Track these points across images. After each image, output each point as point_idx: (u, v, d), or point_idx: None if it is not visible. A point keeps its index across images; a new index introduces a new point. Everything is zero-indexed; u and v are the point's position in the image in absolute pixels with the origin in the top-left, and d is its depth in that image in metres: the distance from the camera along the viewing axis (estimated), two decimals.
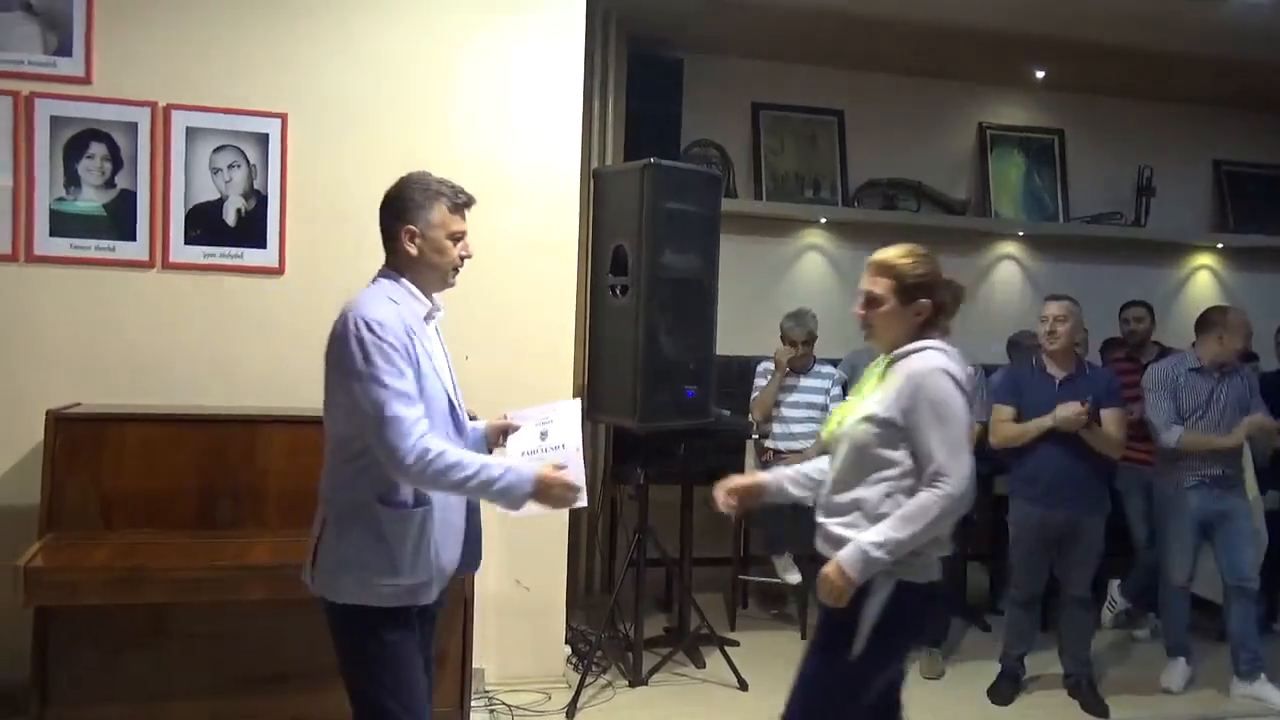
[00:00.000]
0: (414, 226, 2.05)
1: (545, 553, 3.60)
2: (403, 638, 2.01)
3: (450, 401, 2.08)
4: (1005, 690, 3.71)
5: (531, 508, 2.02)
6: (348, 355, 1.94)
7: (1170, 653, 3.90)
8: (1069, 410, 3.47)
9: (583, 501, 2.09)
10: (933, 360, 2.13)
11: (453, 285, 2.13)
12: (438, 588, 2.08)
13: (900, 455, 2.12)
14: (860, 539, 2.09)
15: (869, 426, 2.14)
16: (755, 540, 4.59)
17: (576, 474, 2.09)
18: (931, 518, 2.06)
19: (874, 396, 2.18)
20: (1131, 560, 4.50)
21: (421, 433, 1.91)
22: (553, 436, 2.22)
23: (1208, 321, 3.84)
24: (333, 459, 2.05)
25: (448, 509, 2.06)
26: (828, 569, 2.12)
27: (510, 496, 1.97)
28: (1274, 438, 3.84)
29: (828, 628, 2.22)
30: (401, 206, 2.06)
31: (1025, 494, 3.66)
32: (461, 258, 2.10)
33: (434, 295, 2.13)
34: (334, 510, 2.03)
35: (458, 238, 2.09)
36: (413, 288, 2.07)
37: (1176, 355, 4.00)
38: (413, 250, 2.05)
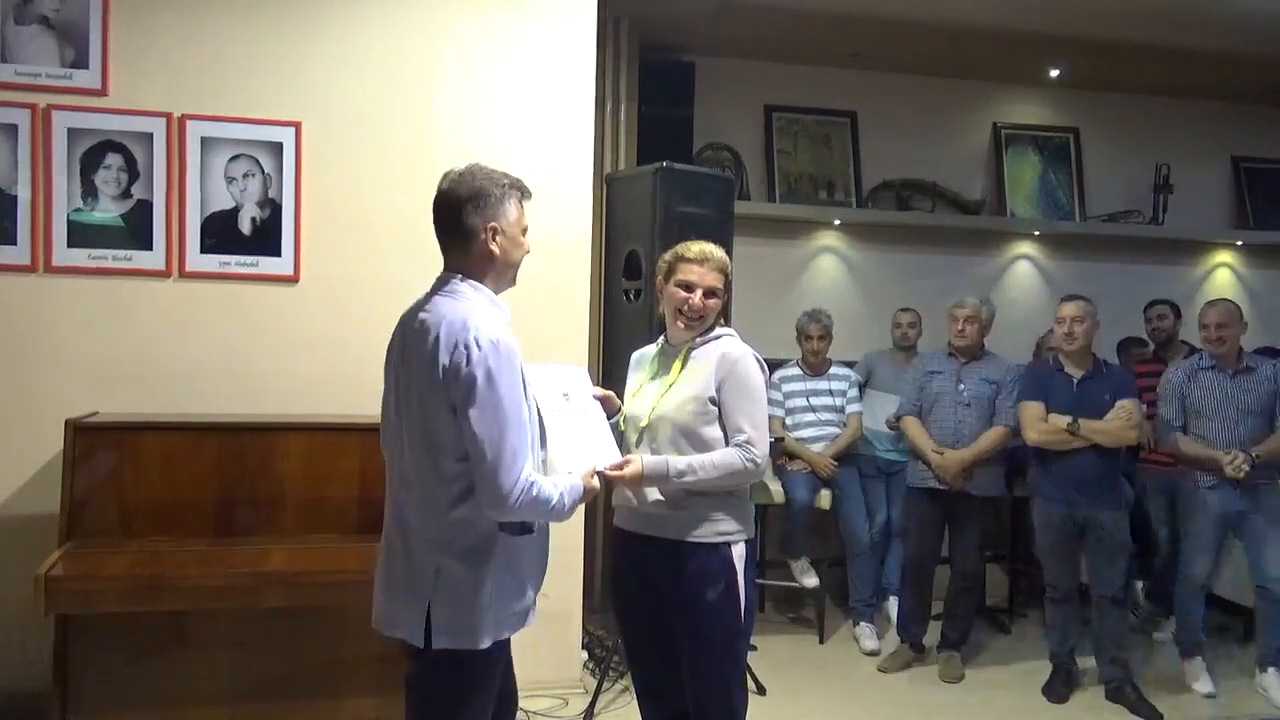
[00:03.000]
0: (496, 223, 1.93)
1: (561, 558, 3.56)
2: (494, 671, 1.96)
3: (543, 425, 2.04)
4: (1060, 688, 3.70)
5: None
6: (469, 382, 1.78)
7: (1186, 653, 3.86)
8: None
9: (616, 457, 2.15)
10: (740, 345, 2.35)
11: (514, 284, 2.06)
12: (532, 612, 2.06)
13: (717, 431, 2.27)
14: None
15: (694, 406, 2.25)
16: (771, 544, 4.57)
17: (609, 439, 2.16)
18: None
19: (686, 380, 2.29)
20: (1153, 562, 4.46)
21: (525, 462, 1.83)
22: (574, 400, 2.18)
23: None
24: (440, 496, 1.87)
25: (543, 537, 2.06)
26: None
27: (581, 497, 1.99)
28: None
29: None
30: (484, 202, 1.91)
31: (1046, 492, 3.66)
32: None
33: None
34: (457, 553, 1.87)
35: (525, 231, 2.03)
36: (491, 293, 1.96)
37: (1195, 355, 3.96)
38: (495, 249, 1.93)
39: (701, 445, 2.25)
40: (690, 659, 2.28)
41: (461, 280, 1.94)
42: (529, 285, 3.50)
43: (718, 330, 2.37)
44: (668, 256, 2.38)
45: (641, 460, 2.19)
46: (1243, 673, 3.88)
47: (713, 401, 2.25)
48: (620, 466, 2.14)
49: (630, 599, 2.43)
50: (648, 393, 2.35)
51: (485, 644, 1.89)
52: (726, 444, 2.25)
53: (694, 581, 2.25)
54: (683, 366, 2.32)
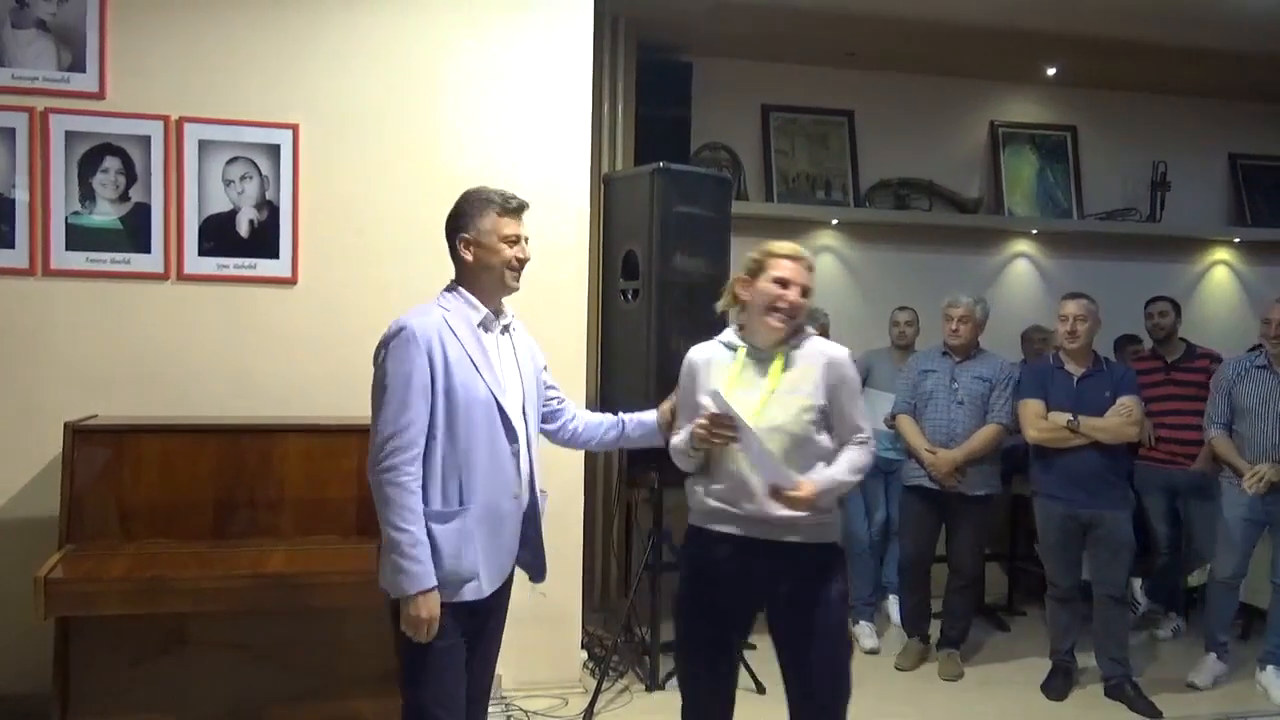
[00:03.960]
0: (467, 234, 2.15)
1: (561, 558, 3.57)
2: (450, 633, 2.07)
3: (498, 404, 2.11)
4: (1059, 685, 3.71)
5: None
6: (376, 361, 2.08)
7: (1205, 648, 3.86)
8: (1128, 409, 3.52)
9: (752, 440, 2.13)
10: (831, 343, 2.37)
11: (515, 287, 2.20)
12: (488, 586, 2.13)
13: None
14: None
15: (810, 416, 2.23)
16: None
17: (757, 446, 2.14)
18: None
19: (791, 386, 2.25)
20: (1153, 560, 4.46)
21: (406, 448, 2.01)
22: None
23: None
24: None
25: (493, 513, 2.12)
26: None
27: (397, 576, 2.01)
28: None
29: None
30: (457, 218, 2.18)
31: (1048, 491, 3.67)
32: (518, 260, 2.18)
33: (504, 305, 2.23)
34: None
35: (511, 240, 2.16)
36: (469, 295, 2.17)
37: (1257, 350, 3.90)
38: (468, 256, 2.16)
39: (814, 453, 2.25)
40: (819, 656, 2.33)
41: (447, 290, 2.20)
42: (527, 285, 3.54)
43: (807, 330, 2.37)
44: (755, 254, 2.34)
45: (813, 481, 2.19)
46: (1243, 670, 3.88)
47: (822, 409, 2.25)
48: (796, 488, 2.15)
49: (713, 601, 2.38)
50: (742, 400, 2.22)
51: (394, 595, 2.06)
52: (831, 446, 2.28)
53: (824, 579, 2.30)
54: (783, 370, 2.28)
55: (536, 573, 2.34)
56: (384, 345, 2.07)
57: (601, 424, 2.50)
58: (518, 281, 2.20)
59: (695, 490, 2.35)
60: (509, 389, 2.17)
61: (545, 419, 2.39)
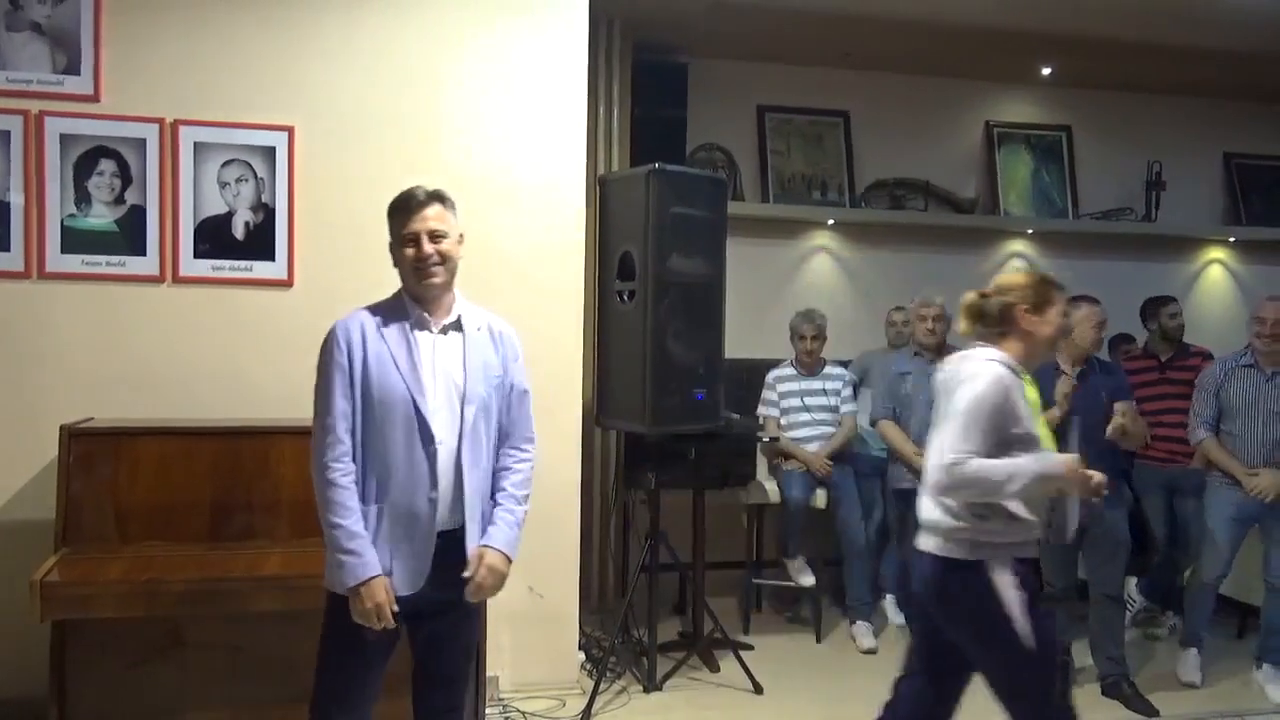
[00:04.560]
0: (390, 241, 2.20)
1: (558, 559, 3.60)
2: (347, 627, 2.09)
3: (414, 405, 2.11)
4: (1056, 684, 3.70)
5: None
6: None
7: (1183, 644, 3.89)
8: (1065, 390, 3.47)
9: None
10: None
11: (427, 286, 2.16)
12: (402, 584, 2.11)
13: None
14: None
15: None
16: (768, 544, 4.58)
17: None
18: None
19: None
20: (1149, 559, 4.47)
21: (333, 445, 2.08)
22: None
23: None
24: None
25: (407, 513, 2.11)
26: None
27: (339, 572, 2.07)
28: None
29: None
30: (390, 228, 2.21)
31: None
32: (418, 258, 2.14)
33: (454, 305, 2.23)
34: None
35: (410, 240, 2.16)
36: (406, 298, 2.21)
37: (1246, 350, 3.89)
38: (393, 260, 2.21)
39: None
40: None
41: (394, 293, 2.26)
42: (523, 286, 3.56)
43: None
44: (1037, 285, 2.39)
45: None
46: (1239, 668, 3.89)
47: None
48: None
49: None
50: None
51: (329, 584, 2.13)
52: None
53: None
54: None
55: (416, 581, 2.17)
56: (320, 349, 2.16)
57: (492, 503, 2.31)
58: (432, 279, 2.15)
59: (1025, 519, 2.30)
60: (432, 390, 2.14)
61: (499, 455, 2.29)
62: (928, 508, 2.37)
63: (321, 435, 2.10)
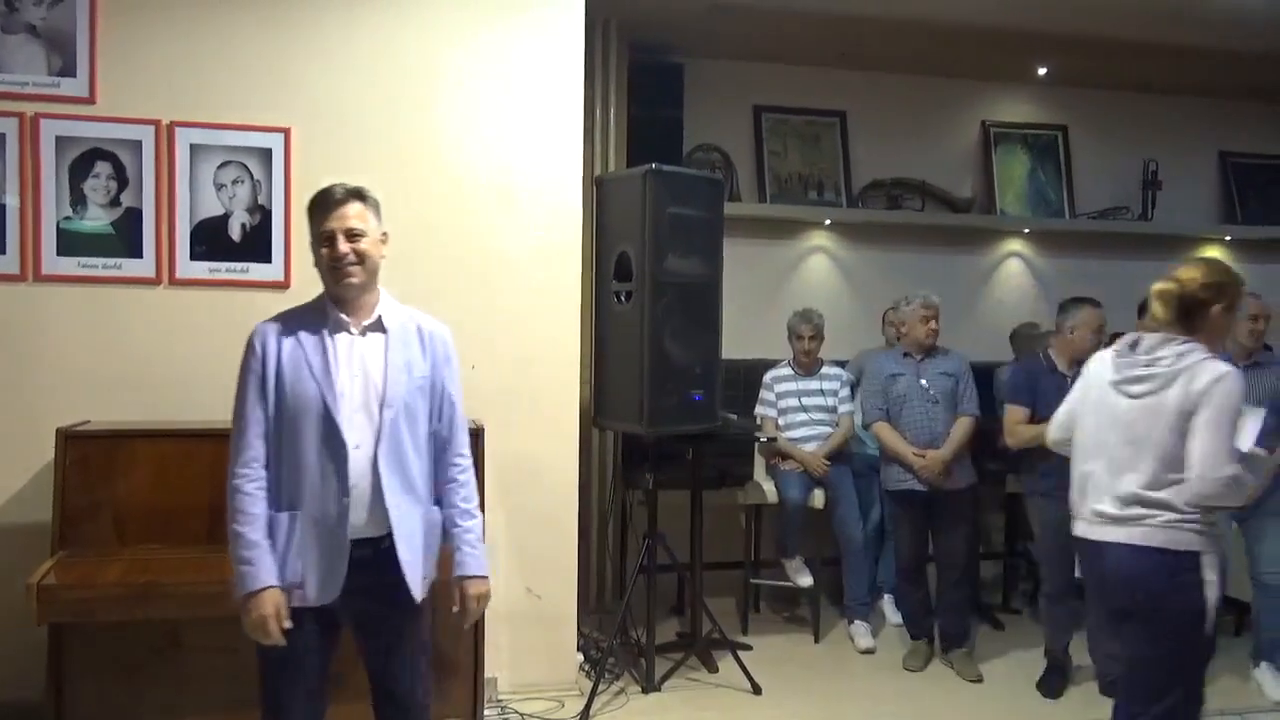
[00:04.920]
0: (311, 240, 2.16)
1: (556, 560, 3.60)
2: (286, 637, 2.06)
3: (327, 409, 2.06)
4: (1054, 683, 3.73)
5: None
6: None
7: None
8: None
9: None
10: None
11: (344, 286, 2.11)
12: (319, 592, 2.07)
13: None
14: None
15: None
16: (766, 544, 4.58)
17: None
18: None
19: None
20: None
21: (242, 450, 2.06)
22: None
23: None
24: None
25: (321, 519, 2.07)
26: None
27: (238, 580, 2.04)
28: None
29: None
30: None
31: (1044, 490, 3.67)
32: (333, 258, 2.10)
33: (377, 304, 2.18)
34: None
35: (325, 239, 2.11)
36: (326, 301, 2.16)
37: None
38: (314, 259, 2.16)
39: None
40: None
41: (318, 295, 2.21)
42: (520, 287, 3.56)
43: None
44: (1234, 285, 2.52)
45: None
46: (1237, 666, 3.89)
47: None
48: None
49: None
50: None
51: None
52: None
53: None
54: None
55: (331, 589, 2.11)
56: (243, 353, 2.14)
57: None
58: (348, 279, 2.10)
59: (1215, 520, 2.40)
60: (348, 393, 2.09)
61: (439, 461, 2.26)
62: (1134, 497, 2.40)
63: (233, 441, 2.08)
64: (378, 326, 2.17)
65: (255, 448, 2.07)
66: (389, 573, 2.11)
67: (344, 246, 2.09)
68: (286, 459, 2.08)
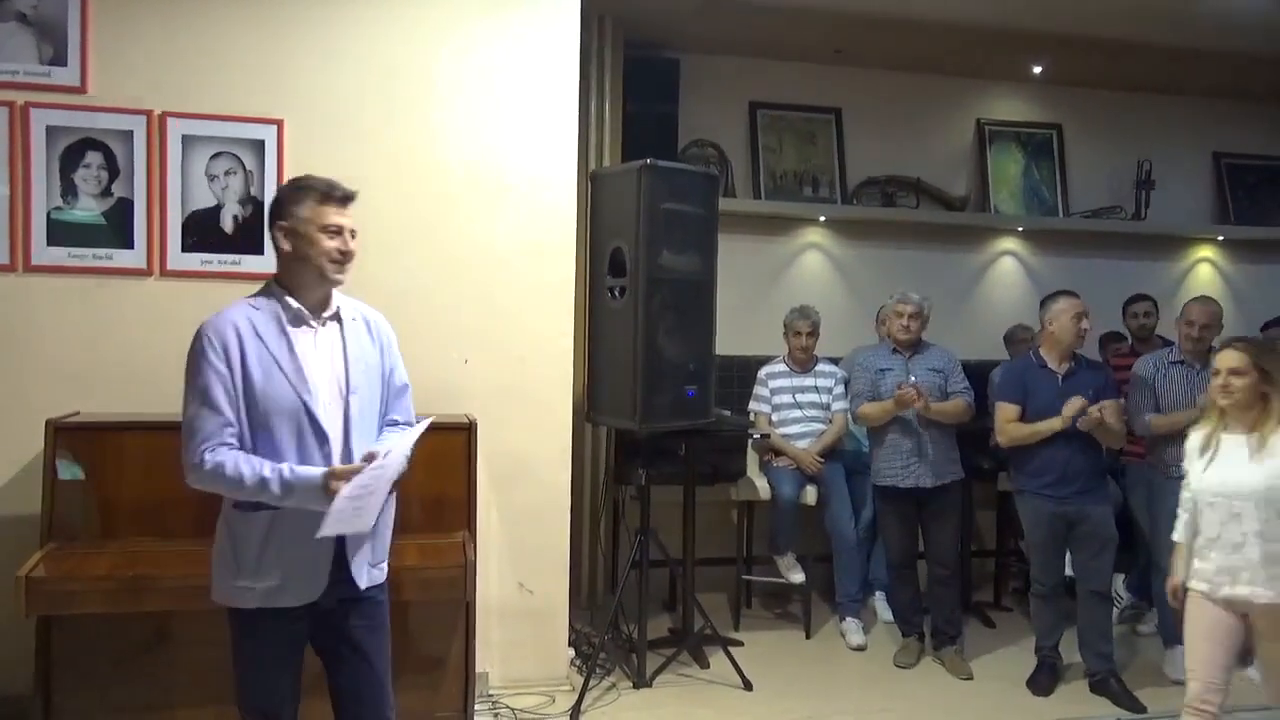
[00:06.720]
0: (284, 222, 2.09)
1: (548, 555, 3.59)
2: (260, 640, 2.08)
3: (304, 405, 2.05)
4: (1044, 681, 3.74)
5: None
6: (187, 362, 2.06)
7: (1167, 642, 3.91)
8: (1076, 408, 3.50)
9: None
10: None
11: (336, 281, 2.12)
12: (299, 592, 2.06)
13: None
14: None
15: None
16: (758, 541, 4.58)
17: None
18: None
19: None
20: (1136, 555, 4.49)
21: (206, 441, 1.98)
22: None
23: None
24: None
25: (300, 520, 2.02)
26: None
27: (298, 494, 1.98)
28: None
29: None
30: (275, 205, 2.11)
31: (1034, 488, 3.68)
32: (339, 251, 2.10)
33: (332, 295, 2.15)
34: (219, 518, 2.15)
35: (332, 231, 2.09)
36: (282, 291, 2.11)
37: (1166, 348, 3.99)
38: (286, 246, 2.09)
39: None
40: None
41: (266, 284, 2.15)
42: (514, 283, 3.54)
43: None
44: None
45: None
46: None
47: None
48: None
49: None
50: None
51: (215, 599, 2.11)
52: None
53: None
54: None
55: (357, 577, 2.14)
56: (190, 350, 2.04)
57: None
58: (341, 274, 2.11)
59: None
60: (319, 389, 2.07)
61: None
62: None
63: (195, 434, 1.98)
64: (335, 318, 2.17)
65: (221, 435, 1.98)
66: (345, 567, 2.11)
67: (352, 244, 2.12)
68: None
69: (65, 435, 2.87)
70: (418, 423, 2.21)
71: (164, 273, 3.26)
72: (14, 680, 2.94)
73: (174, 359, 3.22)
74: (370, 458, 2.03)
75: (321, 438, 2.07)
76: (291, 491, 1.98)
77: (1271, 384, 2.65)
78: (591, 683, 3.51)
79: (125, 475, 2.90)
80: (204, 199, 3.29)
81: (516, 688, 3.53)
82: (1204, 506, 2.72)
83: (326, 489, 1.96)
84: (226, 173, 3.29)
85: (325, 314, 2.15)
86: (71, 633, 2.80)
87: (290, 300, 2.10)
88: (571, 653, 3.75)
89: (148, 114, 3.22)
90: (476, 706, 3.23)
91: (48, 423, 2.87)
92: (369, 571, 2.17)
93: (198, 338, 2.04)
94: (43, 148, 3.16)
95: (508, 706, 3.41)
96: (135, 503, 2.89)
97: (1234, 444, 2.70)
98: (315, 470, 2.00)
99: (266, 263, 3.30)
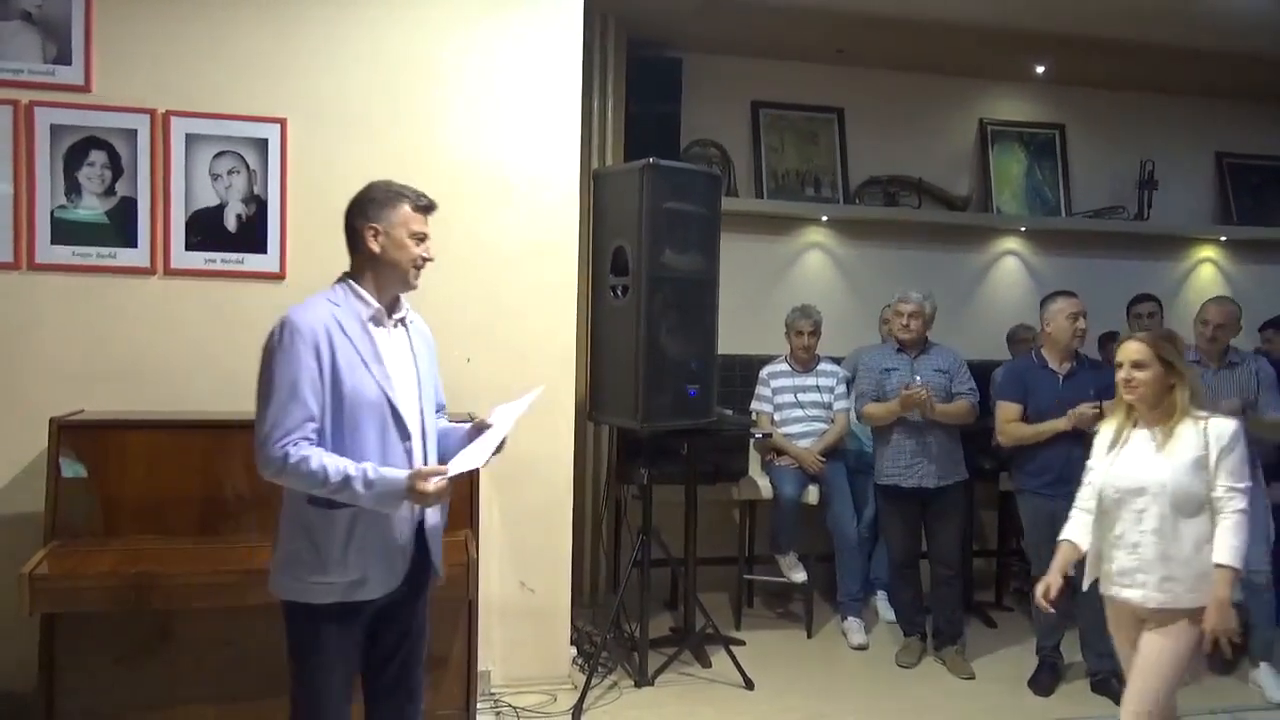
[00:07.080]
0: (377, 224, 2.13)
1: (550, 554, 3.60)
2: (325, 638, 2.08)
3: (389, 402, 2.09)
4: (1046, 681, 3.75)
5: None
6: (262, 355, 2.06)
7: None
8: (1088, 420, 3.50)
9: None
10: None
11: (414, 286, 2.19)
12: (381, 583, 2.10)
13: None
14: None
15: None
16: (759, 540, 4.59)
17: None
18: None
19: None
20: None
21: (289, 435, 1.97)
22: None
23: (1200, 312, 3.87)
24: None
25: (384, 514, 2.08)
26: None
27: (378, 494, 2.00)
28: None
29: None
30: (366, 205, 2.15)
31: (1034, 487, 3.68)
32: (423, 258, 2.17)
33: (400, 297, 2.21)
34: (282, 510, 2.14)
35: (419, 237, 2.16)
36: (362, 290, 2.15)
37: (1188, 349, 3.98)
38: (375, 247, 2.13)
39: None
40: None
41: (339, 280, 2.18)
42: (517, 282, 3.55)
43: None
44: None
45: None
46: (1236, 665, 3.89)
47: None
48: None
49: None
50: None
51: (285, 597, 2.10)
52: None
53: None
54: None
55: (426, 571, 2.23)
56: (271, 342, 2.04)
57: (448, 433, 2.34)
58: (418, 281, 2.18)
59: None
60: (401, 386, 2.13)
61: None
62: None
63: (278, 427, 1.97)
64: (402, 321, 2.23)
65: (305, 430, 1.98)
66: (423, 556, 2.19)
67: (431, 252, 2.19)
68: (345, 455, 2.02)
69: (69, 433, 2.87)
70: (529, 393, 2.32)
71: (167, 271, 3.27)
72: (17, 678, 2.95)
73: (178, 357, 3.27)
74: (481, 427, 2.18)
75: (404, 434, 2.12)
76: (372, 491, 2.00)
77: (1176, 375, 2.57)
78: (593, 681, 3.51)
79: (129, 473, 2.90)
80: (207, 198, 3.29)
81: (518, 686, 3.54)
82: (1109, 504, 2.61)
83: (411, 490, 2.00)
84: (230, 172, 3.30)
85: (397, 315, 2.20)
86: (74, 630, 2.80)
87: (372, 299, 2.14)
88: (573, 651, 3.76)
89: (151, 113, 3.23)
90: (478, 705, 3.23)
91: (51, 421, 2.88)
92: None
93: (284, 330, 2.03)
94: (47, 146, 3.17)
95: (509, 705, 3.42)
96: (139, 501, 2.89)
97: (1142, 439, 2.62)
98: (399, 473, 2.02)
99: (270, 262, 3.32)
